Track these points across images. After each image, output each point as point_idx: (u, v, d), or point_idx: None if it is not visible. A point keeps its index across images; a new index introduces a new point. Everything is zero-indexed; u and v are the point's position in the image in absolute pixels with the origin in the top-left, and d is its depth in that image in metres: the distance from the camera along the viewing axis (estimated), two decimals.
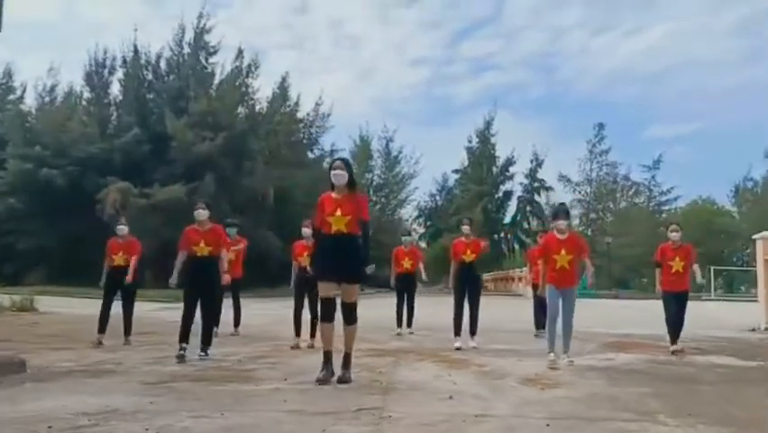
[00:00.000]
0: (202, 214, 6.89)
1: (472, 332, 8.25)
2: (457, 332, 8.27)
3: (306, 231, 8.13)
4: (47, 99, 37.81)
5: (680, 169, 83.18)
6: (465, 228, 8.63)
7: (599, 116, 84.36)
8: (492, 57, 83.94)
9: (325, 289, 5.18)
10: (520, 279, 36.67)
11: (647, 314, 16.43)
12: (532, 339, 9.45)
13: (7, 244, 30.23)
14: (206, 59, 38.47)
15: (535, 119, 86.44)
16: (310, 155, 47.51)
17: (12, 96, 40.10)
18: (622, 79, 79.72)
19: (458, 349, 7.91)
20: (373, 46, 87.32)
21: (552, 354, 6.60)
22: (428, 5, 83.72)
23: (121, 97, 37.37)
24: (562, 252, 6.67)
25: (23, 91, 40.31)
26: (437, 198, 53.85)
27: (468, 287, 8.33)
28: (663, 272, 8.26)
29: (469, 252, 8.37)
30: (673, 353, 7.92)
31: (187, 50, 37.74)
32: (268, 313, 15.22)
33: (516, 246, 48.37)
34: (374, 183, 52.93)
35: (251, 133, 36.74)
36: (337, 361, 5.33)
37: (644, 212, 46.37)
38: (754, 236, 13.17)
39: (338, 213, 5.17)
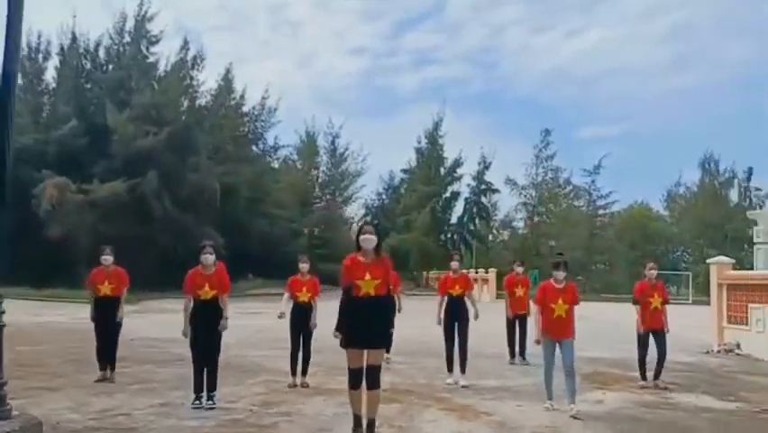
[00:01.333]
0: (209, 259, 6.55)
1: (462, 369, 8.14)
2: (449, 368, 8.21)
3: (304, 267, 7.88)
4: None
5: (612, 171, 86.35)
6: (455, 264, 8.54)
7: (536, 114, 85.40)
8: (434, 51, 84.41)
9: (356, 359, 5.15)
10: None
11: (592, 324, 16.98)
12: (513, 369, 9.63)
13: None
14: (148, 49, 37.07)
15: (474, 114, 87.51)
16: (255, 150, 46.69)
17: None
18: (559, 79, 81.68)
19: (449, 385, 7.90)
20: (313, 33, 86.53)
21: (548, 402, 6.67)
22: None
23: (54, 86, 35.59)
24: (560, 301, 6.71)
25: None
26: (383, 196, 53.90)
27: (457, 321, 8.25)
28: (644, 311, 8.39)
29: (457, 287, 8.32)
30: (642, 387, 8.19)
31: (127, 38, 36.27)
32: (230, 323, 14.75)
33: (463, 247, 49.08)
34: (319, 180, 52.49)
35: (195, 128, 35.66)
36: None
37: (583, 215, 47.91)
38: (708, 261, 13.74)
39: (367, 276, 5.18)
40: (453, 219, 50.09)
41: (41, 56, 35.01)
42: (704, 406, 7.32)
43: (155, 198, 31.04)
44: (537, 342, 6.89)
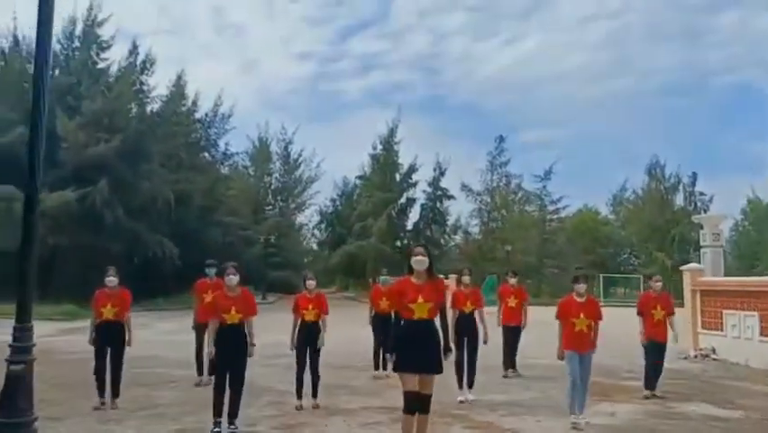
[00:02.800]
0: (233, 280, 6.37)
1: (470, 384, 8.16)
2: (460, 384, 8.12)
3: (311, 283, 7.70)
4: None
5: (556, 175, 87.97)
6: (466, 279, 8.48)
7: (480, 119, 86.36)
8: (379, 56, 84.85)
9: (410, 382, 5.03)
10: None
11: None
12: (512, 382, 9.63)
13: None
14: (98, 54, 35.86)
15: (420, 119, 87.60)
16: (207, 157, 45.71)
17: None
18: (502, 84, 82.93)
19: (461, 403, 7.83)
20: (258, 37, 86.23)
21: (573, 417, 6.67)
22: (314, 0, 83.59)
23: None
24: (581, 315, 6.77)
25: None
26: (337, 202, 53.63)
27: (467, 337, 8.17)
28: (646, 322, 8.62)
29: (468, 303, 8.24)
30: (645, 397, 8.35)
31: (76, 43, 34.96)
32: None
33: None
34: (272, 186, 51.72)
35: (148, 135, 34.66)
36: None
37: (534, 220, 48.87)
38: (681, 267, 14.24)
39: (420, 300, 5.06)
40: (409, 225, 50.33)
41: None
42: (709, 414, 7.54)
43: (106, 207, 29.99)
44: (560, 358, 6.90)
